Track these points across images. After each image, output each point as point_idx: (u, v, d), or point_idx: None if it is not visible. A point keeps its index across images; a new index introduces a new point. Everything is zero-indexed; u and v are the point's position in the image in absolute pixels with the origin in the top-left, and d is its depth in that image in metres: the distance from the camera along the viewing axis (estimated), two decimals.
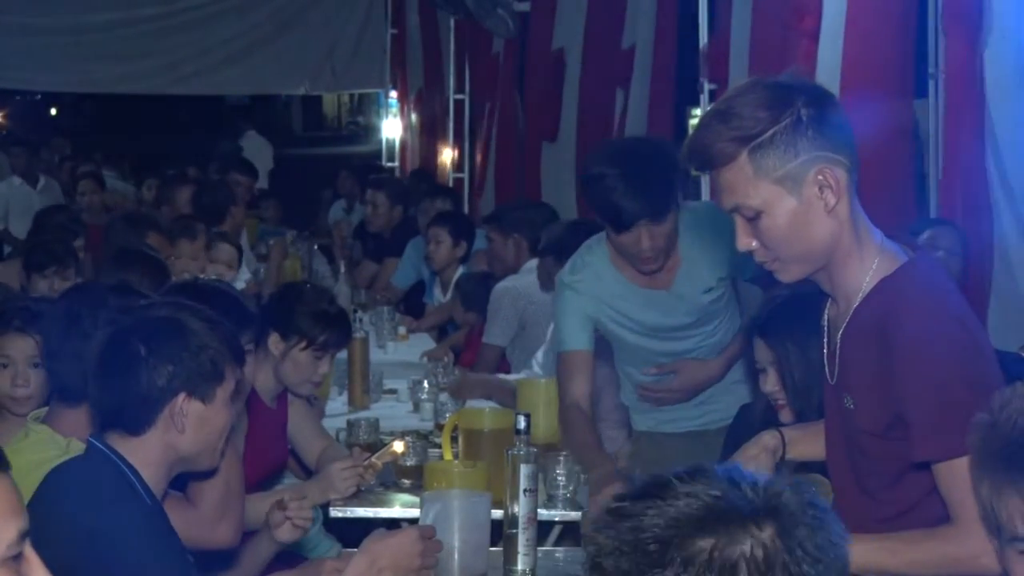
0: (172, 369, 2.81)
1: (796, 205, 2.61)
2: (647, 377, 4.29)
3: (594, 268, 4.11)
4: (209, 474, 3.11)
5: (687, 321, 4.20)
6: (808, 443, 3.03)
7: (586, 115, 7.68)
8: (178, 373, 2.81)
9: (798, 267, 2.69)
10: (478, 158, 10.77)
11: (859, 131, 2.64)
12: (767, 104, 2.59)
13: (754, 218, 2.63)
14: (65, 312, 3.33)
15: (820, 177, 2.59)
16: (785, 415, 3.62)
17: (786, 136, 2.57)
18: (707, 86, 6.23)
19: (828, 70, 4.55)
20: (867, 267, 2.66)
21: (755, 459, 3.00)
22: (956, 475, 2.54)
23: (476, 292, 6.76)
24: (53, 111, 35.00)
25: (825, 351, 2.81)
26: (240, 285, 7.66)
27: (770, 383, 3.60)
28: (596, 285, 4.11)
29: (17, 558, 1.92)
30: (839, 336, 2.73)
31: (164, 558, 2.77)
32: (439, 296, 7.88)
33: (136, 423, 2.82)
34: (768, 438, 3.08)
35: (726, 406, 4.24)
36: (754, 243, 2.66)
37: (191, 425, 2.84)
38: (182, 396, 2.82)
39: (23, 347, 3.78)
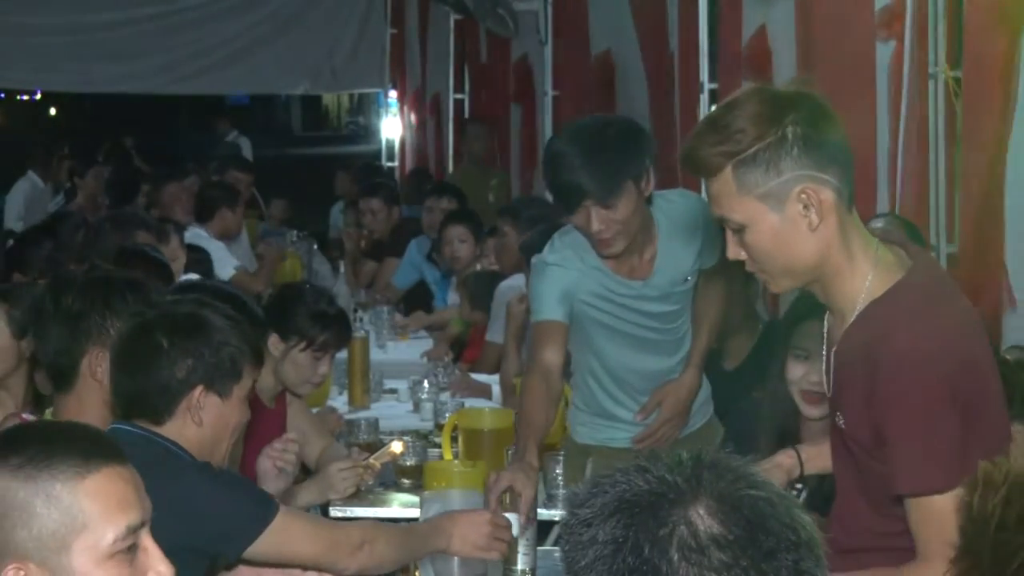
0: (192, 363, 2.93)
1: (778, 222, 2.58)
2: (634, 425, 4.16)
3: (575, 251, 4.01)
4: None
5: (663, 310, 4.09)
6: (825, 457, 2.95)
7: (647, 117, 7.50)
8: (197, 367, 2.93)
9: (785, 280, 2.67)
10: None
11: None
12: (756, 119, 2.56)
13: (738, 231, 2.62)
14: (49, 297, 3.32)
15: (803, 196, 2.56)
16: (819, 408, 3.52)
17: (769, 154, 2.54)
18: (707, 86, 6.23)
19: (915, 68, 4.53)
20: (860, 285, 2.62)
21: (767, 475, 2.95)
22: (929, 511, 2.51)
23: (484, 291, 6.73)
24: (53, 111, 35.01)
25: (823, 361, 2.78)
26: (229, 272, 7.70)
27: (816, 372, 3.49)
28: (579, 265, 4.01)
29: (132, 549, 2.10)
30: (833, 352, 2.70)
31: (244, 490, 2.93)
32: (456, 300, 7.71)
33: (156, 412, 2.94)
34: (783, 457, 3.05)
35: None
36: (742, 254, 2.65)
37: (208, 419, 2.95)
38: (199, 389, 2.93)
39: None
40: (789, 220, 2.58)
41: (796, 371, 3.55)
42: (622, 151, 3.85)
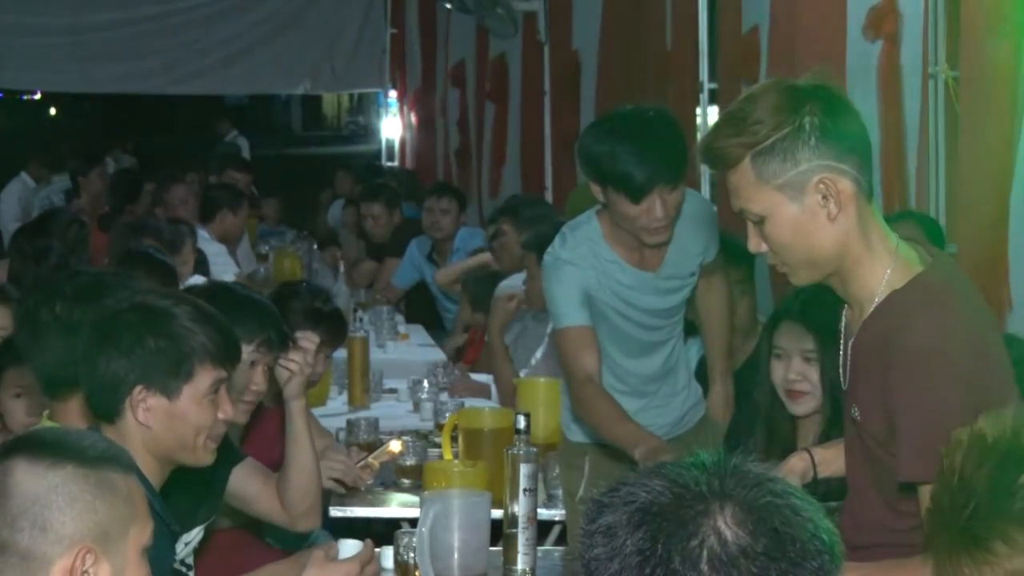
0: (126, 362, 2.83)
1: (798, 213, 2.61)
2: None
3: (589, 245, 3.93)
4: None
5: (665, 305, 4.04)
6: (840, 460, 2.94)
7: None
8: (133, 366, 2.83)
9: (806, 272, 2.69)
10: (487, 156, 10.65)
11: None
12: (773, 110, 2.59)
13: (758, 223, 2.65)
14: (45, 308, 3.30)
15: (821, 186, 2.59)
16: (802, 405, 3.57)
17: (786, 144, 2.58)
18: (707, 85, 6.23)
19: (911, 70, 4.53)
20: (879, 276, 2.64)
21: None
22: None
23: (484, 293, 6.73)
24: (53, 111, 35.03)
25: (840, 355, 2.79)
26: (229, 278, 7.66)
27: (793, 371, 3.56)
28: (594, 261, 3.92)
29: (146, 553, 2.17)
30: (851, 344, 2.72)
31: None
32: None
33: (106, 410, 2.86)
34: (796, 460, 3.02)
35: (669, 412, 4.12)
36: (764, 246, 2.67)
37: (156, 419, 2.84)
38: (138, 388, 2.83)
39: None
40: (808, 210, 2.61)
41: (777, 371, 3.61)
42: (679, 131, 3.85)
